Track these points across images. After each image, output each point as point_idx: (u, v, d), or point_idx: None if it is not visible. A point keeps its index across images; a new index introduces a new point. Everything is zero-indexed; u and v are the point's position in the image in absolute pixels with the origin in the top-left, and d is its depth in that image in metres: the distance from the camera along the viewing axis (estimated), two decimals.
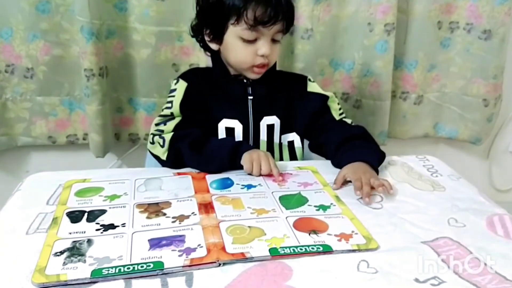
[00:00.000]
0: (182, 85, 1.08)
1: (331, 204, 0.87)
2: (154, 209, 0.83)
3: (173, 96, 1.07)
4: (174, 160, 1.01)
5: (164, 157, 1.02)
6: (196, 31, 1.09)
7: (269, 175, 0.97)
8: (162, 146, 1.02)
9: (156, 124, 1.06)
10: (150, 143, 1.05)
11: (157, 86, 1.45)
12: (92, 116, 1.38)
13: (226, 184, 0.94)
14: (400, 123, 1.65)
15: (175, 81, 1.10)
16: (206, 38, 1.07)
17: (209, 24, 1.05)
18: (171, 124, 1.05)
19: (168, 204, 0.85)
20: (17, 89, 1.40)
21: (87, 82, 1.34)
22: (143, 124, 1.49)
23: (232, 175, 0.98)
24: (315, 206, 0.86)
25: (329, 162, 1.06)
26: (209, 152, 1.00)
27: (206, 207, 0.84)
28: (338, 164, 1.01)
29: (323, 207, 0.85)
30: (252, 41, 1.02)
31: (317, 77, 1.53)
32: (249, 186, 0.93)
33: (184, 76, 1.11)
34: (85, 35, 1.29)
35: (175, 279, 0.64)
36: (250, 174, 0.98)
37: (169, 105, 1.07)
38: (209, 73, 1.15)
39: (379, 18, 1.44)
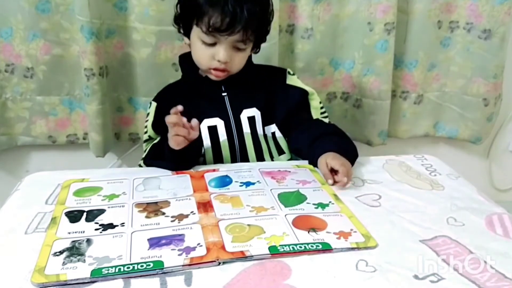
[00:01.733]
0: (153, 107, 1.13)
1: (330, 202, 0.87)
2: (153, 208, 0.83)
3: (147, 120, 1.14)
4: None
5: None
6: (176, 23, 1.11)
7: (270, 173, 0.97)
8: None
9: (144, 151, 1.13)
10: None
11: (157, 86, 1.44)
12: (92, 115, 1.38)
13: (224, 182, 0.95)
14: (400, 123, 1.65)
15: (149, 104, 1.15)
16: (181, 32, 1.10)
17: (180, 18, 1.08)
18: (148, 148, 1.11)
19: (167, 203, 0.85)
20: (17, 89, 1.40)
21: (87, 81, 1.34)
22: (143, 124, 1.48)
23: (230, 173, 0.98)
24: (313, 204, 0.86)
25: None
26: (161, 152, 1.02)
27: (205, 206, 0.84)
28: (310, 160, 1.03)
29: (322, 205, 0.85)
30: (210, 45, 1.03)
31: (317, 77, 1.53)
32: (248, 184, 0.93)
33: (156, 97, 1.16)
34: (85, 34, 1.29)
35: (174, 278, 0.65)
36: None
37: (146, 129, 1.14)
38: (181, 83, 1.18)
39: (379, 17, 1.44)
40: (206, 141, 1.09)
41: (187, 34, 1.08)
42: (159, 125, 1.09)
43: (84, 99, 1.39)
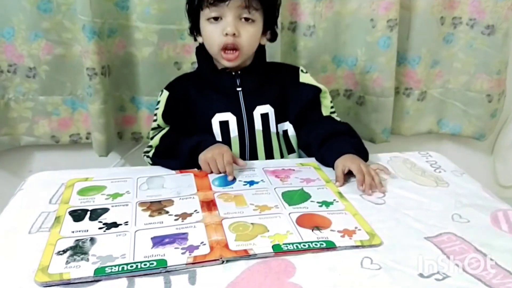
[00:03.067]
0: (164, 96, 1.11)
1: (334, 200, 0.87)
2: (157, 207, 0.83)
3: (157, 108, 1.12)
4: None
5: None
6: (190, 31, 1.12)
7: (274, 171, 0.97)
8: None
9: (150, 138, 1.12)
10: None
11: (159, 85, 1.43)
12: (94, 115, 1.38)
13: (228, 181, 0.94)
14: (404, 120, 1.64)
15: (160, 92, 1.13)
16: (194, 33, 1.11)
17: (189, 17, 1.09)
18: (157, 137, 1.09)
19: (170, 202, 0.85)
20: (20, 89, 1.40)
21: (89, 81, 1.34)
22: (145, 123, 1.49)
23: (234, 171, 0.98)
24: (318, 202, 0.85)
25: None
26: (175, 152, 1.02)
27: (209, 205, 0.84)
28: (322, 158, 1.03)
29: (326, 203, 0.85)
30: (217, 19, 1.02)
31: (319, 74, 1.53)
32: (252, 183, 0.93)
33: (168, 85, 1.14)
34: (87, 34, 1.29)
35: (178, 277, 0.64)
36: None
37: (155, 117, 1.12)
38: (196, 74, 1.17)
39: (381, 14, 1.43)
40: (217, 137, 1.08)
41: (197, 29, 1.09)
42: (170, 115, 1.09)
43: (87, 98, 1.39)
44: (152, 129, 1.13)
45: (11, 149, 1.48)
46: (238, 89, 1.10)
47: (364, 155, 1.00)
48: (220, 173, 0.96)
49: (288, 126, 1.13)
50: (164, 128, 1.11)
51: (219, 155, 0.95)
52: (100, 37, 1.31)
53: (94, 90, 1.35)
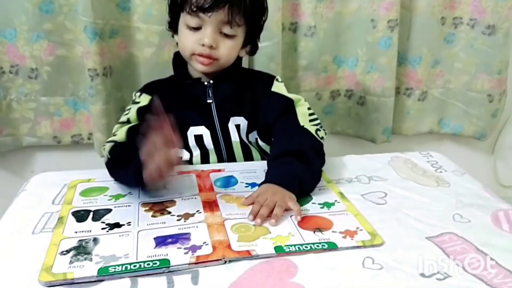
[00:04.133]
0: (145, 97, 1.04)
1: (335, 201, 0.87)
2: (159, 207, 0.84)
3: (136, 103, 1.04)
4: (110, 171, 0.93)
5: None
6: (169, 26, 1.08)
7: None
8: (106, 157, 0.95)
9: (112, 133, 0.99)
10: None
11: None
12: (96, 115, 1.39)
13: (230, 182, 0.95)
14: (405, 120, 1.65)
15: (138, 93, 1.07)
16: (171, 31, 1.07)
17: (169, 13, 1.05)
18: (122, 131, 0.97)
19: (172, 202, 0.85)
20: (22, 90, 1.41)
21: (91, 82, 1.34)
22: None
23: (236, 173, 0.98)
24: (319, 204, 0.86)
25: (331, 160, 1.02)
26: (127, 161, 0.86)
27: (211, 205, 0.84)
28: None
29: (327, 204, 0.85)
30: (196, 29, 0.98)
31: (320, 74, 1.53)
32: (253, 185, 0.93)
33: (146, 89, 1.08)
34: (89, 35, 1.29)
35: (181, 277, 0.65)
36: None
37: (127, 112, 1.03)
38: (170, 82, 1.12)
39: (382, 14, 1.44)
40: (195, 150, 1.05)
41: (175, 28, 1.05)
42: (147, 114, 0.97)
43: (89, 99, 1.39)
44: (119, 123, 1.02)
45: (13, 150, 1.48)
46: (209, 101, 1.05)
47: (295, 185, 0.86)
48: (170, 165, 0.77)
49: (256, 135, 1.08)
50: (132, 124, 0.99)
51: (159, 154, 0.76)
52: (101, 38, 1.31)
53: (95, 91, 1.35)
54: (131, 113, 1.01)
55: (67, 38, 1.38)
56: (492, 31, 1.51)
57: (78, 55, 1.39)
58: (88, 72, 1.33)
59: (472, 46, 1.55)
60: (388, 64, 1.49)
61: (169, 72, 1.40)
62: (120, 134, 0.96)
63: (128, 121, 1.00)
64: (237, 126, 1.06)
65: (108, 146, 0.95)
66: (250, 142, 1.08)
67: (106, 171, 0.94)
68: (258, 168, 1.01)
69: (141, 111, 1.00)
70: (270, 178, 0.88)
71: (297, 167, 0.89)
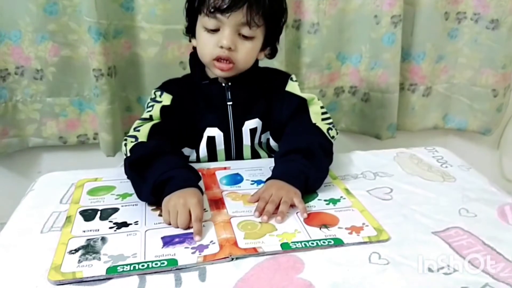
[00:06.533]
0: (167, 97, 1.01)
1: (341, 197, 0.87)
2: None
3: (159, 102, 1.01)
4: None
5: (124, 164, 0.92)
6: (186, 31, 1.06)
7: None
8: (125, 154, 0.94)
9: (134, 128, 0.97)
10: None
11: None
12: (101, 115, 1.39)
13: (236, 180, 0.95)
14: (409, 115, 1.65)
15: (158, 92, 1.03)
16: (189, 35, 1.05)
17: (187, 17, 1.03)
18: (146, 128, 0.95)
19: None
20: (27, 91, 1.42)
21: (96, 82, 1.35)
22: None
23: (242, 171, 0.98)
24: (325, 200, 0.86)
25: (336, 156, 1.01)
26: (141, 178, 0.86)
27: (217, 203, 0.85)
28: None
29: (333, 201, 0.86)
30: (214, 31, 0.95)
31: (324, 71, 1.53)
32: (259, 182, 0.93)
33: (166, 88, 1.04)
34: (93, 35, 1.30)
35: (189, 274, 0.65)
36: None
37: (149, 109, 1.00)
38: (188, 81, 1.09)
39: (385, 10, 1.43)
40: (202, 150, 1.05)
41: (193, 32, 1.03)
42: (171, 113, 0.99)
43: (94, 99, 1.40)
44: (140, 119, 0.99)
45: (20, 151, 1.49)
46: (229, 103, 1.03)
47: (300, 181, 0.87)
48: (177, 227, 0.77)
49: (269, 135, 1.08)
50: (155, 122, 0.98)
51: (184, 208, 0.77)
52: (105, 38, 1.32)
53: (100, 91, 1.36)
54: (155, 110, 0.99)
55: (72, 38, 1.39)
56: (496, 25, 1.50)
57: (83, 56, 1.40)
58: (93, 72, 1.34)
59: (476, 40, 1.54)
60: (392, 60, 1.49)
61: (173, 71, 1.41)
62: (143, 131, 0.95)
63: (151, 118, 0.99)
64: (252, 130, 1.05)
65: (130, 142, 0.93)
66: (260, 144, 1.08)
67: (112, 170, 0.94)
68: (264, 165, 1.01)
69: (164, 110, 0.99)
70: (275, 174, 0.89)
71: (304, 164, 0.89)
